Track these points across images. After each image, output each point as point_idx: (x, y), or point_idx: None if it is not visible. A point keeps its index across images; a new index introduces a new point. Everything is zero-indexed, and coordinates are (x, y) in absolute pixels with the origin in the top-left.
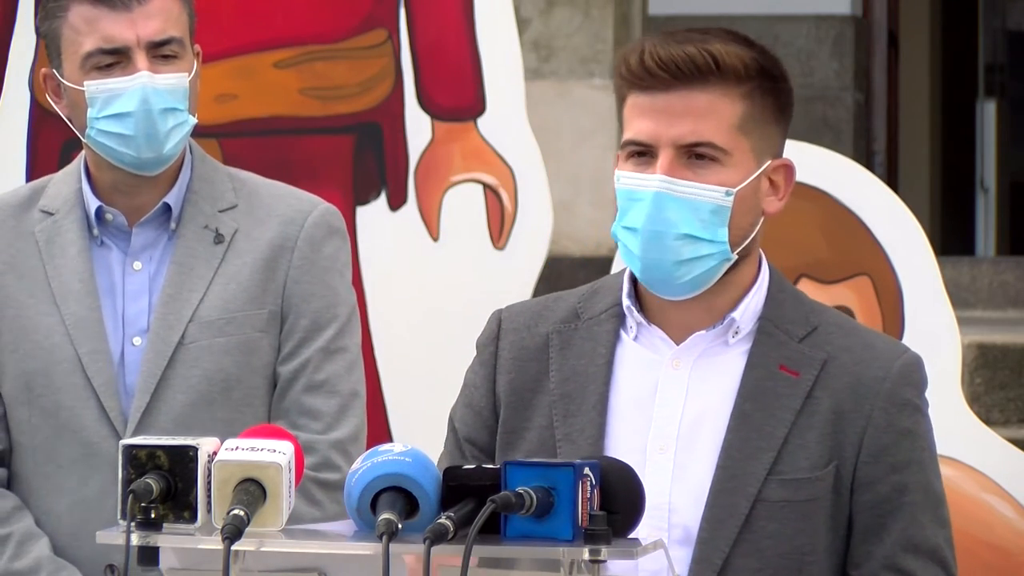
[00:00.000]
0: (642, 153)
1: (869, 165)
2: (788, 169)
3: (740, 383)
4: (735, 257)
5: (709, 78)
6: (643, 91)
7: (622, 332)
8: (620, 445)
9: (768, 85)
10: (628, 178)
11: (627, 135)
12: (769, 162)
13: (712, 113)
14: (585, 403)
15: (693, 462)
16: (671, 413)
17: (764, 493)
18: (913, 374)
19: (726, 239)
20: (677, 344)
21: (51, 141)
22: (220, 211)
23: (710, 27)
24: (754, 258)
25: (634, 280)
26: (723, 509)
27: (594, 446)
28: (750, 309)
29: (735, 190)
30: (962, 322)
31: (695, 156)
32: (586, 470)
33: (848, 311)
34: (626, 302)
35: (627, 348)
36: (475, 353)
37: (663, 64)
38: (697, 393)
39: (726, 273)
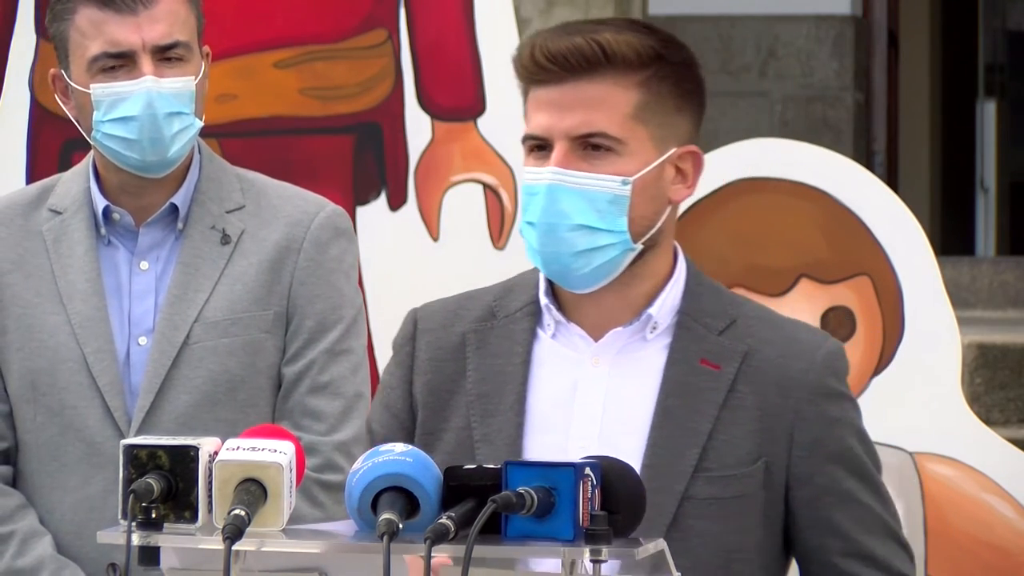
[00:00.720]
0: (541, 147)
1: (869, 165)
2: (696, 156)
3: (662, 379)
4: (639, 247)
5: (599, 68)
6: (539, 85)
7: (539, 330)
8: (539, 445)
9: (666, 72)
10: (527, 173)
11: (526, 130)
12: (673, 150)
13: (604, 103)
14: (503, 403)
15: None
16: (592, 412)
17: (691, 491)
18: (836, 363)
19: (626, 228)
20: (595, 341)
21: (51, 141)
22: (227, 212)
23: (615, 18)
24: (667, 249)
25: None
26: (650, 508)
27: (512, 447)
28: (667, 303)
29: (632, 179)
30: (962, 322)
31: (590, 147)
32: (587, 470)
33: (848, 311)
34: (544, 300)
35: (545, 346)
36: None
37: (552, 57)
38: (618, 390)
39: (636, 264)
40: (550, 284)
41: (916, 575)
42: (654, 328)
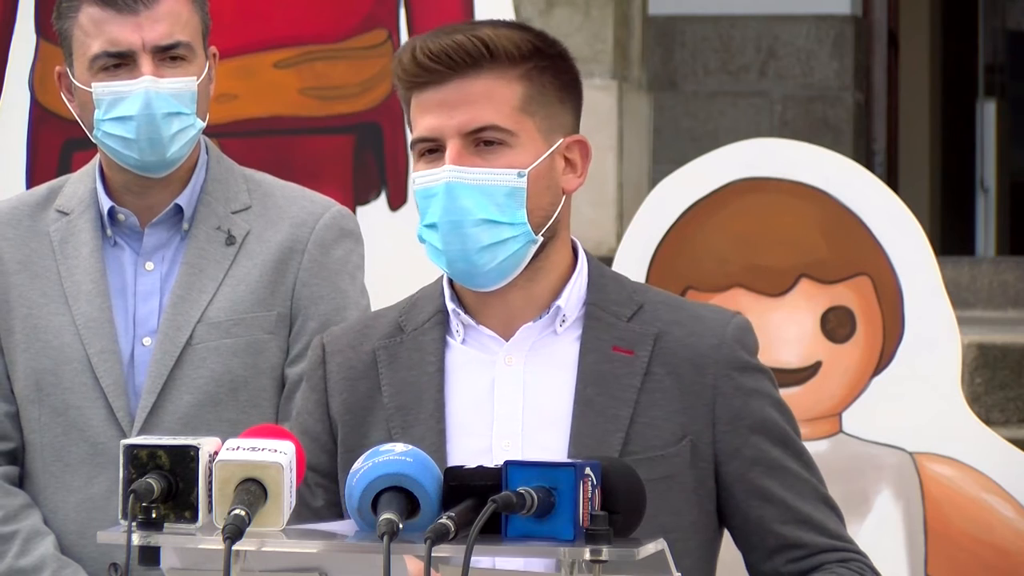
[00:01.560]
0: (433, 150)
1: (869, 165)
2: (582, 145)
3: (577, 370)
4: (540, 238)
5: (483, 63)
6: (422, 88)
7: (448, 338)
8: (463, 449)
9: (545, 64)
10: (420, 177)
11: (414, 134)
12: (561, 140)
13: (491, 97)
14: (422, 413)
15: (542, 455)
16: (512, 410)
17: None
18: (745, 337)
19: (526, 220)
20: (506, 340)
21: (51, 141)
22: (233, 212)
23: (486, 20)
24: (565, 241)
25: (452, 283)
26: None
27: (436, 454)
28: (573, 295)
29: (527, 170)
30: (962, 322)
31: (483, 143)
32: (587, 470)
33: (848, 311)
34: (450, 306)
35: (456, 352)
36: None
37: (435, 57)
38: (535, 386)
39: (538, 258)
40: (454, 290)
41: (847, 533)
42: (563, 321)
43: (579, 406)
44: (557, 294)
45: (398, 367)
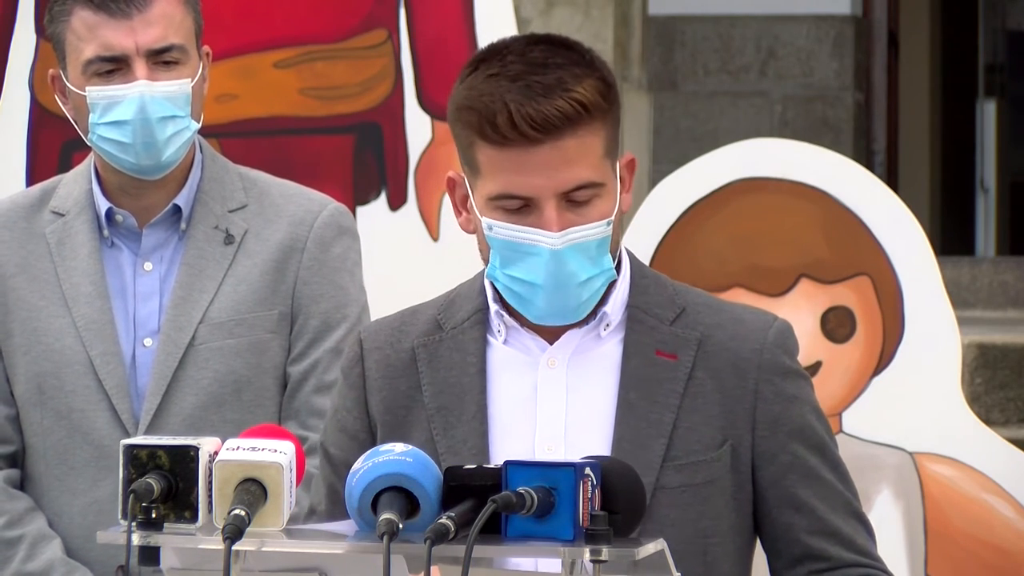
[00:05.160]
0: (519, 207)
1: (869, 165)
2: (631, 162)
3: (620, 373)
4: (616, 274)
5: (580, 122)
6: (511, 146)
7: (490, 337)
8: (505, 450)
9: (613, 98)
10: (513, 231)
11: (499, 188)
12: (619, 165)
13: (584, 154)
14: (464, 414)
15: None
16: (554, 413)
17: (662, 480)
18: (786, 341)
19: (612, 264)
20: (549, 343)
21: (51, 141)
22: (230, 211)
23: (546, 44)
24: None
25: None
26: None
27: (479, 455)
28: (618, 299)
29: (612, 217)
30: (962, 322)
31: (577, 198)
32: (587, 470)
33: (848, 311)
34: (494, 307)
35: (498, 353)
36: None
37: (538, 125)
38: (578, 389)
39: None
40: (496, 290)
41: (876, 551)
42: (608, 325)
43: (621, 410)
44: (604, 299)
45: (439, 366)
